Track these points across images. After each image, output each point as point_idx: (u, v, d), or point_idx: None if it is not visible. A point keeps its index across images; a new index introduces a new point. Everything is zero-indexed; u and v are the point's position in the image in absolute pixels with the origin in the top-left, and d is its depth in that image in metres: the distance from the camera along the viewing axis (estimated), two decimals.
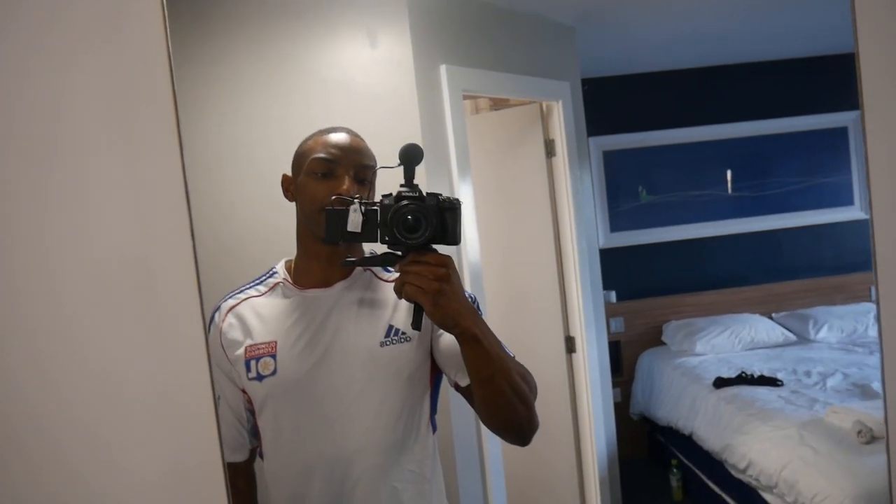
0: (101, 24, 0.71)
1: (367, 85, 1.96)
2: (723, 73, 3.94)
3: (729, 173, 4.07)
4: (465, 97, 2.64)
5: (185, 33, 1.84)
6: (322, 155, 1.06)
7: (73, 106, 0.71)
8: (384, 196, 0.95)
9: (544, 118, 2.58)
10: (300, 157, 1.11)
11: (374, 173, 1.11)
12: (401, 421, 1.07)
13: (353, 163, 1.07)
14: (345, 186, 1.04)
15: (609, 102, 3.88)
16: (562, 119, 2.53)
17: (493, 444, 2.16)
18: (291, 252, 1.18)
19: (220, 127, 1.89)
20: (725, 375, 3.10)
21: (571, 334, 2.60)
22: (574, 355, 2.60)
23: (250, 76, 1.91)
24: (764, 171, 4.01)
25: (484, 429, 2.10)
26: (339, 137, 1.09)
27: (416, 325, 0.94)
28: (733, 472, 2.63)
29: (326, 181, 1.06)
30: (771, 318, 3.76)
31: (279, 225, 1.81)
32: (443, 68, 2.06)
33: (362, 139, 1.12)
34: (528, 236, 2.64)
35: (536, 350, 2.56)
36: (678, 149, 4.04)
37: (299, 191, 1.09)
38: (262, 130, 1.91)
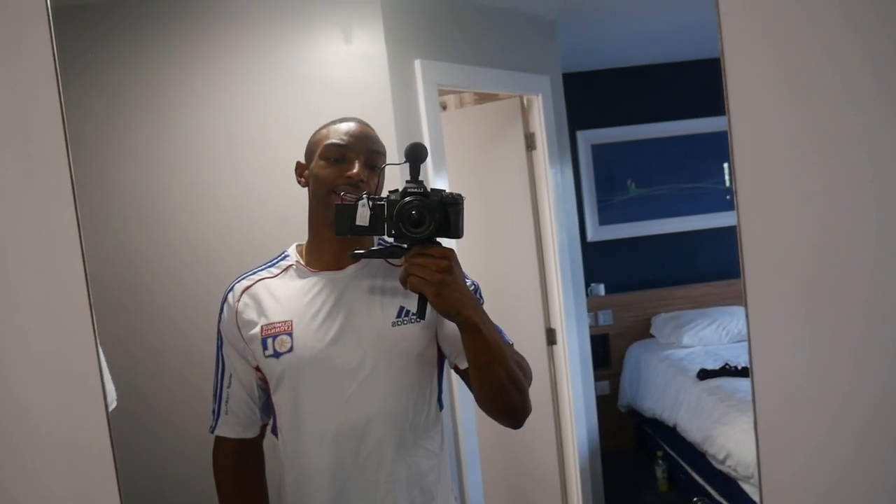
0: None
1: (342, 80, 1.99)
2: (714, 66, 3.92)
3: (726, 166, 4.06)
4: (446, 92, 2.66)
5: (164, 32, 1.87)
6: (335, 141, 1.14)
7: None
8: (391, 192, 1.02)
9: (525, 112, 2.60)
10: (314, 145, 1.19)
11: (384, 160, 1.18)
12: (411, 397, 1.13)
13: (364, 149, 1.15)
14: (355, 170, 1.12)
15: (598, 96, 3.87)
16: (541, 113, 2.54)
17: (469, 435, 2.18)
18: (289, 239, 1.25)
19: (199, 123, 1.92)
20: (710, 367, 3.11)
21: (552, 326, 2.62)
22: (555, 347, 2.62)
23: (227, 74, 1.94)
24: None
25: (458, 420, 2.14)
26: (350, 126, 1.17)
27: (421, 314, 1.01)
28: (714, 463, 2.64)
29: (338, 165, 1.13)
30: None
31: (261, 216, 1.87)
32: (417, 63, 2.08)
33: (372, 129, 1.20)
34: (509, 229, 2.66)
35: (517, 342, 2.57)
36: (670, 141, 4.03)
37: (313, 175, 1.17)
38: (240, 126, 1.93)
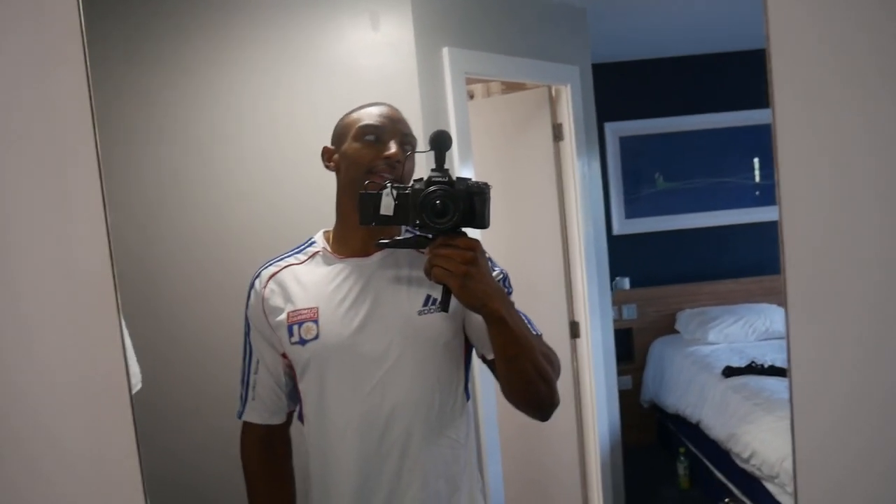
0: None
1: (369, 68, 1.98)
2: (750, 58, 3.82)
3: (756, 161, 3.98)
4: (473, 81, 2.64)
5: (188, 20, 1.88)
6: (371, 122, 1.13)
7: None
8: (416, 180, 1.00)
9: (553, 102, 2.57)
10: (344, 128, 1.16)
11: (416, 145, 1.16)
12: (438, 386, 1.12)
13: (399, 130, 1.13)
14: (393, 150, 1.10)
15: (627, 88, 3.82)
16: (570, 103, 2.51)
17: (491, 426, 2.18)
18: (313, 227, 1.24)
19: (225, 109, 1.92)
20: (735, 365, 3.07)
21: (576, 319, 2.60)
22: (578, 340, 2.60)
23: (253, 60, 1.94)
24: None
25: (480, 411, 2.13)
26: (382, 109, 1.16)
27: (444, 306, 0.99)
28: (738, 462, 2.61)
29: (375, 146, 1.11)
30: None
31: (286, 202, 1.88)
32: (445, 51, 2.06)
33: (402, 113, 1.19)
34: (535, 220, 2.64)
35: None
36: (700, 135, 3.96)
37: (345, 158, 1.15)
38: (266, 112, 1.94)
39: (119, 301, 0.71)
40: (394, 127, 1.13)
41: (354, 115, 1.16)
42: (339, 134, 1.17)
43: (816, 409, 0.74)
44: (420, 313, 1.11)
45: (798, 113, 0.67)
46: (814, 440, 0.75)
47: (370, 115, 1.14)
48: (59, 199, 0.73)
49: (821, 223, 0.69)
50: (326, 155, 1.19)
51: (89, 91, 0.73)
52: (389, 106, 1.17)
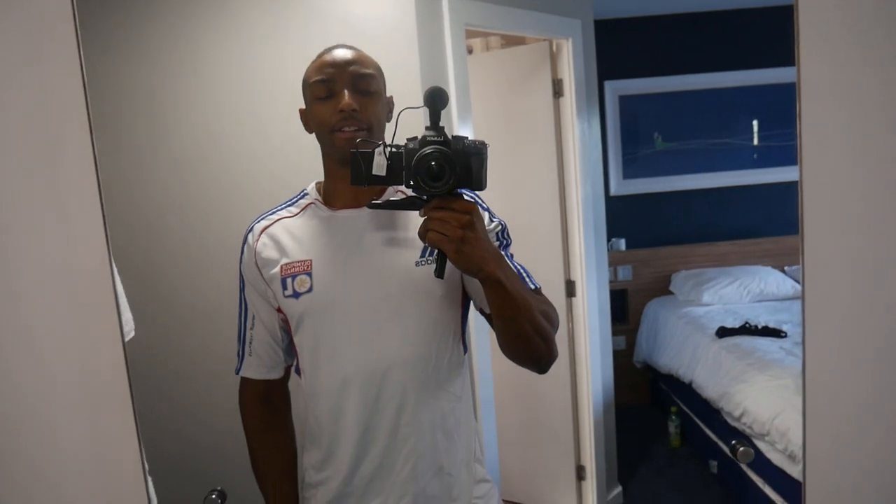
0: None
1: (365, 18, 1.91)
2: (754, 15, 3.72)
3: (756, 123, 3.93)
4: (472, 34, 2.57)
5: None
6: (319, 77, 1.07)
7: None
8: (409, 139, 0.94)
9: (553, 57, 2.51)
10: (304, 87, 1.12)
11: (377, 80, 1.10)
12: (434, 337, 1.10)
13: (349, 75, 1.06)
14: (344, 101, 1.04)
15: (627, 45, 3.75)
16: (571, 58, 2.45)
17: (486, 382, 2.18)
18: (305, 181, 1.20)
19: (215, 64, 1.87)
20: (729, 325, 3.09)
21: (572, 278, 2.60)
22: (574, 299, 2.60)
23: (245, 11, 1.87)
24: (794, 121, 3.85)
25: (475, 366, 2.14)
26: (332, 55, 1.09)
27: (440, 272, 0.95)
28: (729, 420, 2.64)
29: (329, 102, 1.06)
30: (783, 271, 3.71)
31: (276, 156, 1.84)
32: (444, 0, 2.00)
33: (358, 49, 1.11)
34: (533, 179, 2.61)
35: None
36: (701, 94, 3.90)
37: (310, 118, 1.11)
38: (256, 65, 1.88)
39: (108, 240, 0.69)
40: (342, 74, 1.06)
41: (309, 70, 1.11)
42: (303, 94, 1.13)
43: (830, 375, 0.73)
44: (417, 264, 1.08)
45: (823, 71, 0.65)
46: (822, 400, 0.74)
47: (319, 69, 1.08)
48: (47, 147, 0.71)
49: (841, 185, 0.67)
50: (303, 118, 1.15)
51: (78, 45, 0.70)
52: (341, 47, 1.10)
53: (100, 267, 0.71)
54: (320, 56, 1.10)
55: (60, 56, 0.69)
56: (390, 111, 1.14)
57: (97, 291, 0.69)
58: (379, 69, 1.12)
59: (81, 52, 0.71)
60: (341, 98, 1.05)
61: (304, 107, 1.14)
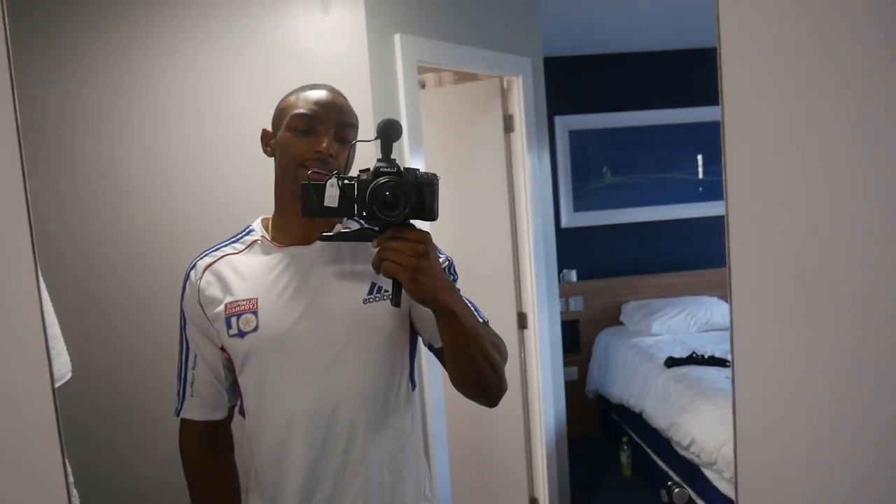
0: None
1: (318, 53, 1.93)
2: (697, 56, 3.90)
3: (700, 158, 4.08)
4: (425, 70, 2.62)
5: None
6: (303, 111, 1.06)
7: None
8: (361, 171, 0.95)
9: (504, 93, 2.57)
10: (281, 113, 1.10)
11: (356, 134, 1.10)
12: (383, 375, 1.09)
13: (335, 121, 1.06)
14: (324, 144, 1.04)
15: (577, 82, 3.87)
16: (521, 94, 2.51)
17: (438, 415, 2.17)
18: (252, 215, 1.19)
19: (167, 88, 1.84)
20: (677, 355, 3.15)
21: (524, 310, 2.62)
22: (525, 331, 2.62)
23: (198, 38, 1.86)
24: None
25: (428, 400, 2.12)
26: (321, 94, 1.08)
27: (396, 301, 0.95)
28: (678, 450, 2.68)
29: (307, 138, 1.05)
30: (728, 301, 3.81)
31: (224, 187, 1.82)
32: (397, 38, 2.03)
33: (345, 98, 1.11)
34: (484, 212, 2.64)
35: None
36: (648, 131, 4.04)
37: (279, 146, 1.09)
38: (208, 93, 1.87)
39: (39, 277, 0.67)
40: (329, 116, 1.06)
41: (292, 99, 1.10)
42: (277, 118, 1.11)
43: (757, 398, 0.76)
44: (365, 301, 1.08)
45: (746, 109, 0.68)
46: (754, 427, 0.76)
47: (306, 102, 1.07)
48: None
49: (765, 217, 0.71)
50: (265, 138, 1.13)
51: (9, 59, 0.68)
52: (330, 90, 1.10)
53: (29, 307, 0.68)
54: (304, 89, 1.10)
55: None
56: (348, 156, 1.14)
57: (25, 334, 0.66)
58: (356, 119, 1.12)
59: (13, 75, 0.69)
60: (322, 139, 1.05)
61: (269, 129, 1.13)
